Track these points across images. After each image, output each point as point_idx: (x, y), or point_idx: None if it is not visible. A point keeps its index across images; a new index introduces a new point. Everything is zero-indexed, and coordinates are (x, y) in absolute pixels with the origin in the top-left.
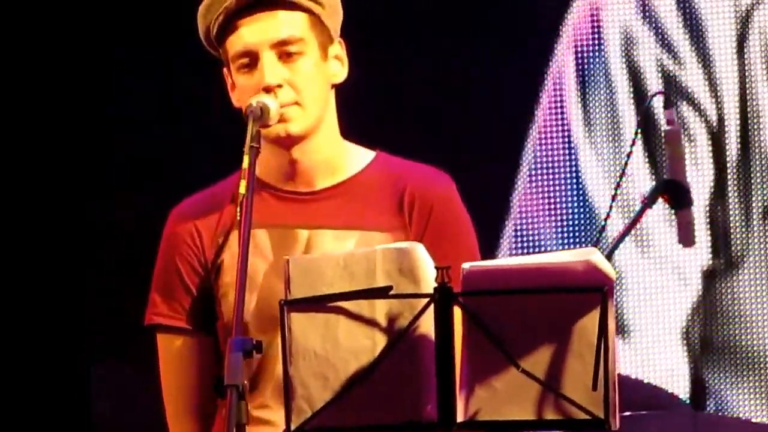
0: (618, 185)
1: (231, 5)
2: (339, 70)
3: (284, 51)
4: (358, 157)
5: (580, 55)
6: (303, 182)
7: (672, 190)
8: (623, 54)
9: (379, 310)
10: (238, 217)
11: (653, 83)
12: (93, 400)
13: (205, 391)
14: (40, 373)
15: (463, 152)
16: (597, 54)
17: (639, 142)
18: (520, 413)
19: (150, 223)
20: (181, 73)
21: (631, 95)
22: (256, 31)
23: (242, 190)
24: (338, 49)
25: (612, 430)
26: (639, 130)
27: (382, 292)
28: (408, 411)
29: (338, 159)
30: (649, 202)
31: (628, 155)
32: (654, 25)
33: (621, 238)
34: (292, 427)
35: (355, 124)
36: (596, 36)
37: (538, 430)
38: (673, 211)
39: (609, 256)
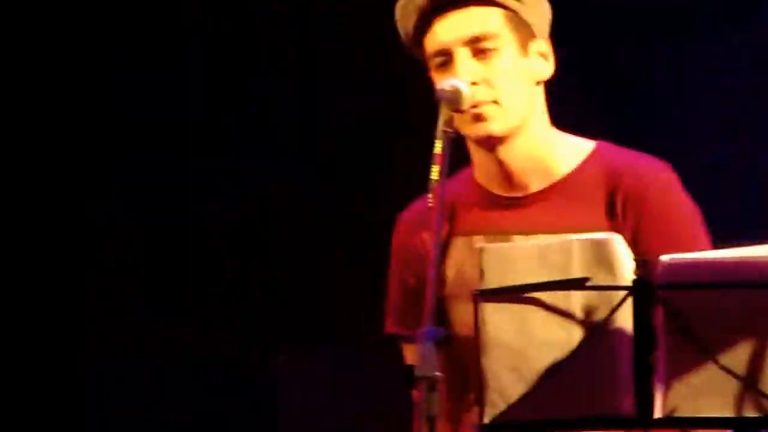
0: None
1: (423, 5)
2: (543, 67)
3: (478, 48)
4: (574, 153)
5: None
6: (517, 186)
7: None
8: None
9: (575, 302)
10: (430, 204)
11: None
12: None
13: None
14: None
15: (688, 142)
16: None
17: None
18: (719, 410)
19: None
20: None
21: None
22: (449, 29)
23: (435, 176)
24: (542, 45)
25: None
26: None
27: (579, 284)
28: (604, 405)
29: (550, 158)
30: None
31: None
32: None
33: None
34: (485, 421)
35: (581, 113)
36: None
37: (738, 428)
38: None
39: None
